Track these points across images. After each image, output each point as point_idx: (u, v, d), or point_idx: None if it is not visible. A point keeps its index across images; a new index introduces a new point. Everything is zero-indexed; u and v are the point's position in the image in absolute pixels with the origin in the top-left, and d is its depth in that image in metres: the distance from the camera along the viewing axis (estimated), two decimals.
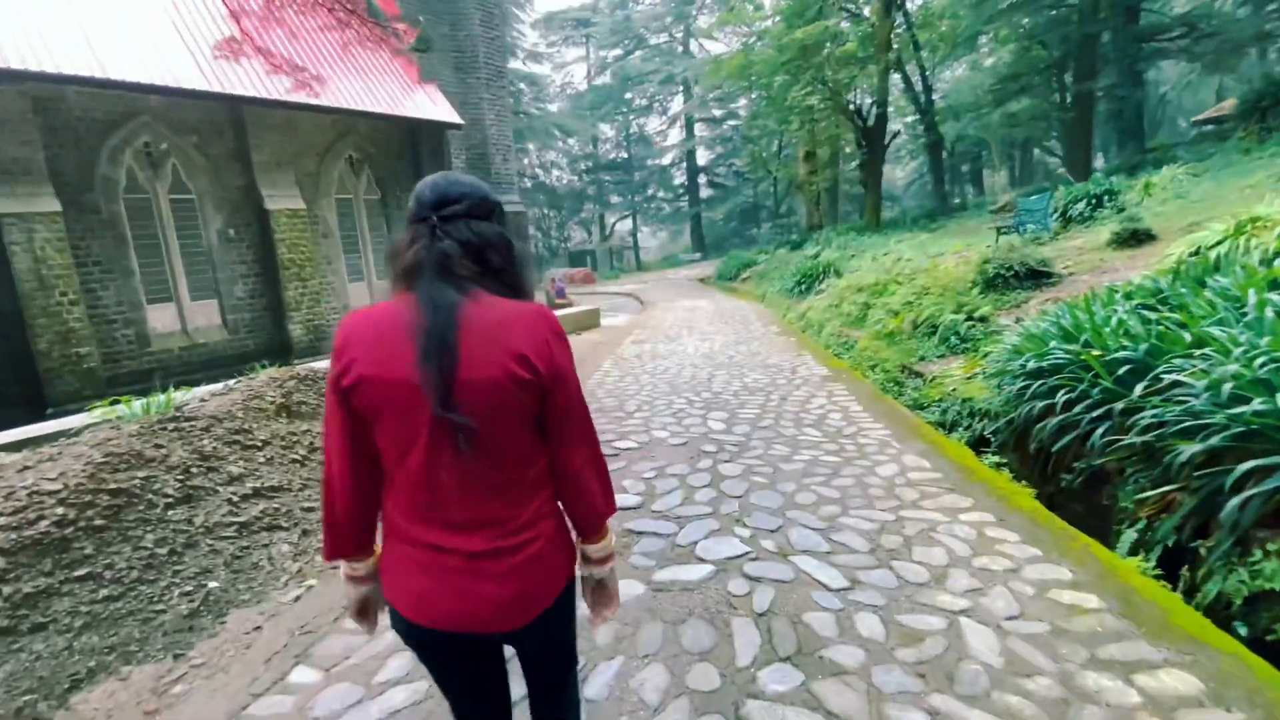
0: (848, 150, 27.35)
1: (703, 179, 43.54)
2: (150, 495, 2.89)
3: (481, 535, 1.10)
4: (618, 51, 41.58)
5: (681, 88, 39.76)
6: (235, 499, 3.12)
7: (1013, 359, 4.28)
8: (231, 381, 4.46)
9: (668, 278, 29.03)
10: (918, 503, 3.31)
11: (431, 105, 14.45)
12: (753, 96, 29.44)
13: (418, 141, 14.55)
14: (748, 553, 2.82)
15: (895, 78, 22.55)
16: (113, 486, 2.81)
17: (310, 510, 3.30)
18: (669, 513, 3.31)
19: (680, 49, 40.71)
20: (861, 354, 7.54)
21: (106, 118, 10.43)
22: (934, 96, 25.16)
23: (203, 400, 3.91)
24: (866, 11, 20.69)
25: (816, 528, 3.05)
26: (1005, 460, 4.03)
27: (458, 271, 1.08)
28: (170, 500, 2.93)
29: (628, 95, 41.17)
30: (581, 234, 53.38)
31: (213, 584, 2.67)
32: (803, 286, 13.27)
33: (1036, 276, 6.86)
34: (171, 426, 3.32)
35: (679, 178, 44.66)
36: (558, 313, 12.62)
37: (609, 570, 1.28)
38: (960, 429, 4.78)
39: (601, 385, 6.83)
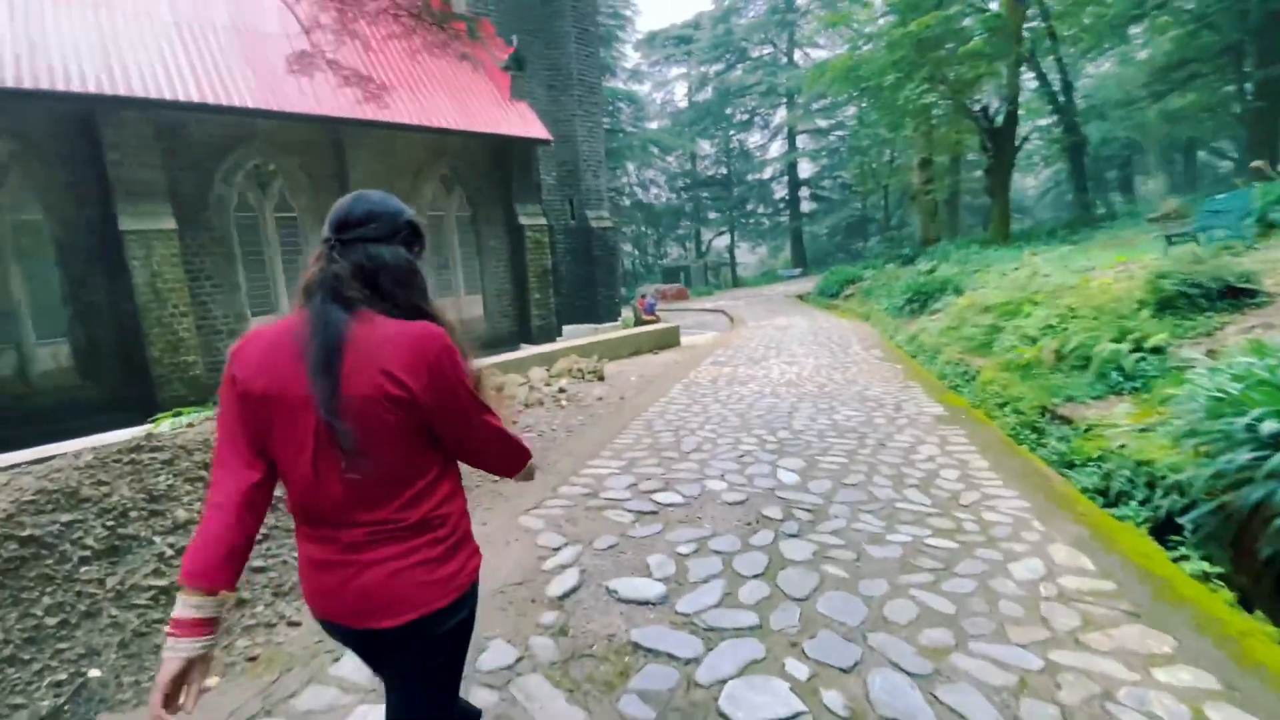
0: (970, 157, 24.87)
1: (805, 192, 41.72)
2: (66, 546, 2.42)
3: (366, 534, 1.16)
4: (719, 66, 41.01)
5: (784, 99, 38.43)
6: (170, 553, 2.60)
7: (1222, 411, 2.98)
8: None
9: (763, 294, 27.71)
10: (1080, 636, 2.19)
11: (522, 123, 14.42)
12: (862, 104, 27.69)
13: (508, 159, 14.56)
14: (799, 716, 1.87)
15: (1027, 74, 20.13)
16: (26, 533, 2.36)
17: (258, 571, 2.72)
18: (696, 619, 2.39)
19: (784, 59, 39.45)
20: (986, 388, 6.17)
21: (222, 141, 11.13)
22: (1075, 94, 22.24)
23: (190, 425, 3.52)
24: (994, 4, 18.60)
25: (915, 673, 2.01)
26: (1216, 564, 2.74)
27: (346, 293, 1.14)
28: (88, 553, 2.45)
29: (728, 110, 40.40)
30: (678, 251, 53.08)
31: (94, 672, 2.12)
32: (914, 305, 11.74)
33: (1235, 295, 5.23)
34: (128, 459, 2.88)
35: (780, 192, 43.10)
36: (635, 330, 12.01)
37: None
38: (1133, 503, 3.47)
39: (662, 415, 5.98)
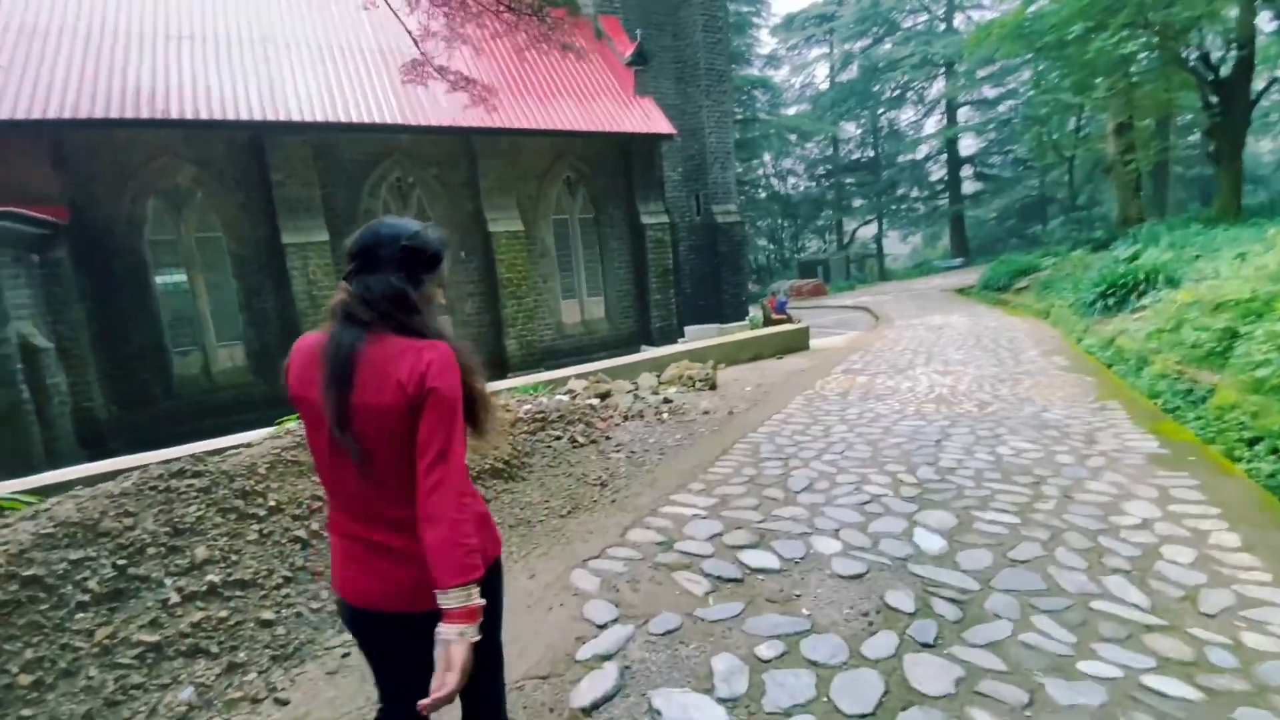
0: (1185, 119, 20.37)
1: (967, 172, 37.22)
2: (68, 588, 2.25)
3: (380, 529, 1.29)
4: (864, 42, 37.86)
5: (941, 69, 34.48)
6: (177, 598, 2.35)
7: None
8: (279, 429, 3.91)
9: (914, 288, 24.98)
10: None
11: (645, 119, 14.01)
12: (1039, 66, 23.88)
13: (630, 157, 14.23)
14: None
15: (1265, 11, 15.88)
16: (29, 573, 2.21)
17: (269, 624, 2.40)
18: None
19: (941, 25, 35.43)
20: (1225, 416, 4.55)
21: (368, 158, 11.95)
22: None
23: (248, 445, 3.38)
24: None
25: None
26: None
27: (360, 317, 1.27)
28: (88, 598, 2.25)
29: (875, 87, 37.15)
30: (818, 243, 50.19)
31: None
32: (1110, 300, 9.53)
33: None
34: (164, 485, 2.71)
35: (936, 173, 38.88)
36: (756, 332, 11.00)
37: (454, 634, 1.15)
38: None
39: (773, 438, 5.11)
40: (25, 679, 2.00)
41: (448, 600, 1.15)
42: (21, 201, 9.06)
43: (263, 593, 2.53)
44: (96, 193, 9.97)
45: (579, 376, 8.23)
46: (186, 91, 10.16)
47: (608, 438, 5.39)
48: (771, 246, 51.54)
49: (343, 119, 11.00)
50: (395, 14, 6.63)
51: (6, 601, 2.13)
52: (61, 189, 9.56)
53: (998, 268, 19.38)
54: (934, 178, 39.10)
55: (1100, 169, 24.60)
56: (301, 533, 2.85)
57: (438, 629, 1.15)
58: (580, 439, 5.21)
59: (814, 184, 44.10)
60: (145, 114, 9.61)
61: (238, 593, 2.49)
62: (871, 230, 41.87)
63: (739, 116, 33.51)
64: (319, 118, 10.78)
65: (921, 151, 38.64)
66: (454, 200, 12.66)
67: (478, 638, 1.17)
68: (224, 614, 2.39)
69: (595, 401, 7.03)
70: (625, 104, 14.18)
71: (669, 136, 14.19)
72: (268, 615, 2.45)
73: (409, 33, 7.13)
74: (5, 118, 8.77)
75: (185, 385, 10.94)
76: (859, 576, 2.75)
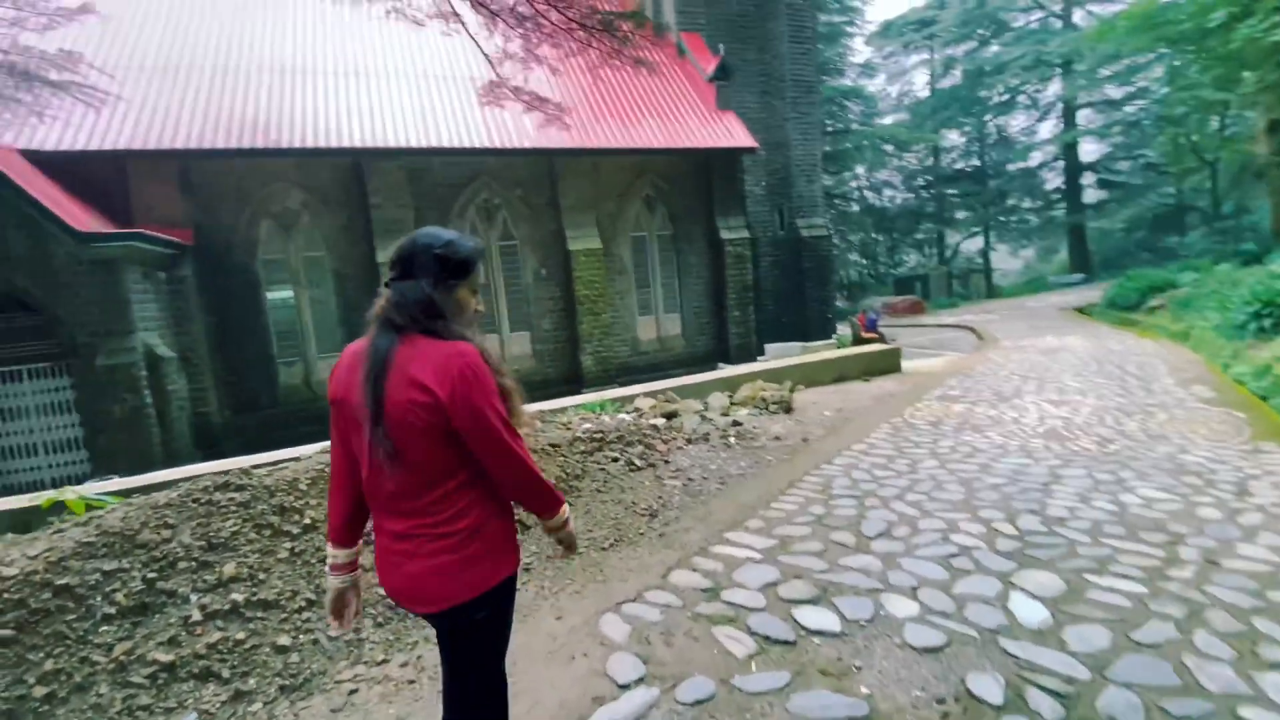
0: None
1: (1088, 179, 33.95)
2: (96, 599, 2.26)
3: (407, 527, 1.38)
4: (969, 45, 35.64)
5: (1058, 69, 31.77)
6: (199, 616, 2.32)
7: None
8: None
9: (1026, 306, 22.92)
10: None
11: (727, 134, 13.77)
12: (1174, 61, 21.43)
13: (711, 172, 14.00)
14: None
15: None
16: (62, 582, 2.23)
17: (284, 650, 2.31)
18: None
19: (1058, 23, 32.75)
20: None
21: (458, 180, 12.46)
22: None
23: (295, 460, 3.39)
24: None
25: None
26: None
27: (396, 321, 1.37)
28: (115, 610, 2.26)
29: (981, 93, 34.82)
30: (916, 258, 47.55)
31: None
32: (1266, 321, 8.16)
33: None
34: (206, 498, 2.72)
35: (1052, 181, 35.76)
36: (840, 352, 10.30)
37: (563, 533, 1.58)
38: None
39: (849, 471, 4.62)
40: (40, 691, 2.01)
41: (558, 518, 1.54)
42: (153, 224, 10.15)
43: (283, 615, 2.47)
44: (218, 216, 10.99)
45: (647, 394, 8.02)
46: (297, 122, 11.04)
47: (666, 462, 5.11)
48: (865, 262, 49.27)
49: (435, 144, 11.54)
50: (474, 39, 6.79)
51: (37, 610, 2.17)
52: (188, 213, 10.60)
53: (1126, 284, 17.35)
54: (1049, 186, 36.01)
55: (1250, 173, 21.62)
56: None
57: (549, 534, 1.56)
58: (638, 462, 4.97)
59: (912, 196, 41.86)
60: (260, 143, 10.50)
61: (259, 614, 2.44)
62: (977, 244, 39.10)
63: (829, 128, 32.52)
64: (413, 143, 11.38)
65: (1035, 159, 35.73)
66: (537, 219, 12.94)
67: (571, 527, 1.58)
68: (241, 636, 2.33)
69: (660, 421, 6.77)
70: (707, 120, 14.00)
71: (751, 150, 13.85)
72: (284, 640, 2.37)
73: (486, 56, 7.30)
74: (140, 147, 9.86)
75: (289, 393, 11.75)
76: (936, 650, 2.30)
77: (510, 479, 1.40)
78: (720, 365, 14.31)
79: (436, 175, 12.22)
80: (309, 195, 11.51)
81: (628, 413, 6.96)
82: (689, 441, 5.82)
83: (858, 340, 18.01)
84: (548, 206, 12.92)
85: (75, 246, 8.50)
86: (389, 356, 1.33)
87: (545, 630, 2.59)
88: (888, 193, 45.22)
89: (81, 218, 9.03)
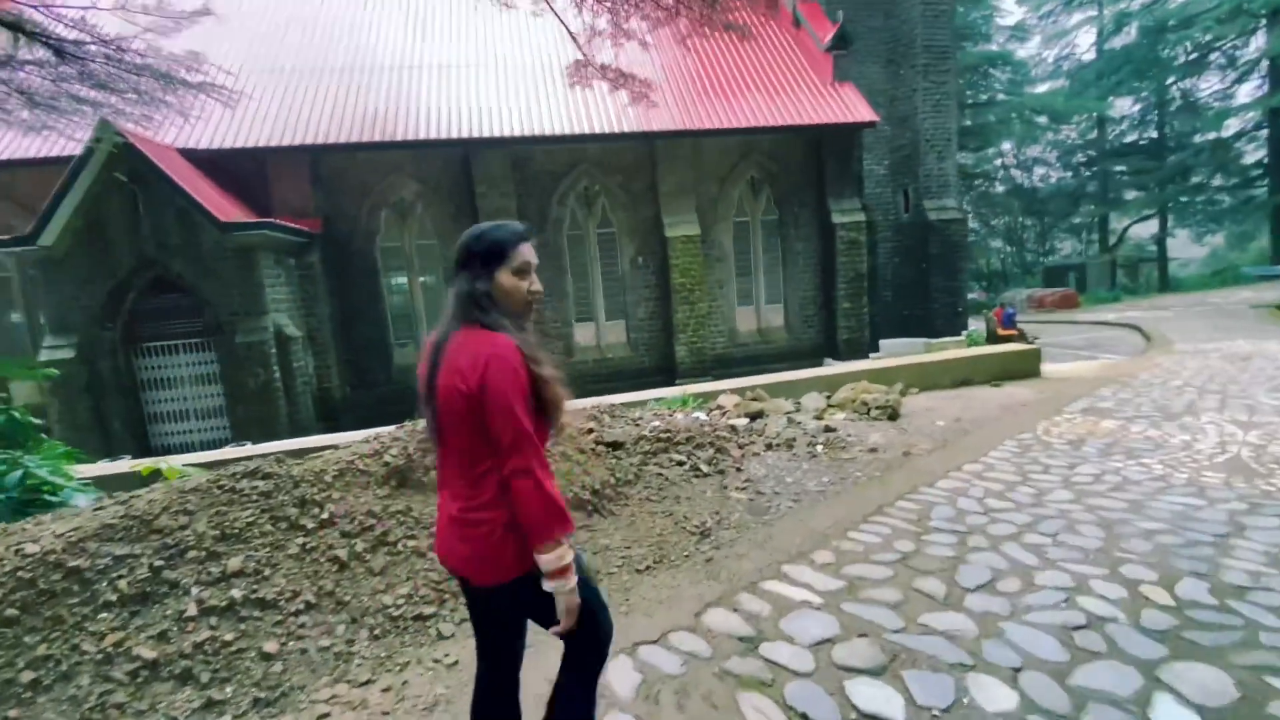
0: None
1: None
2: (102, 584, 2.24)
3: (457, 505, 1.45)
4: None
5: (1263, 20, 26.30)
6: (193, 611, 2.24)
7: None
8: (371, 432, 3.80)
9: (1209, 302, 19.34)
10: None
11: (842, 108, 12.65)
12: None
13: (822, 150, 12.95)
14: None
15: None
16: (75, 564, 2.23)
17: (269, 658, 2.17)
18: None
19: None
20: None
21: (559, 168, 12.48)
22: None
23: (334, 448, 3.32)
24: None
25: None
26: None
27: (451, 314, 1.47)
28: (116, 598, 2.22)
29: (1162, 51, 29.71)
30: (1073, 245, 42.11)
31: None
32: None
33: None
34: (229, 485, 2.68)
35: (1252, 154, 29.90)
36: (964, 352, 8.98)
37: (557, 585, 1.38)
38: None
39: (955, 498, 3.85)
40: (27, 676, 1.99)
41: (543, 562, 1.35)
42: (287, 214, 11.07)
43: (278, 618, 2.34)
44: (343, 206, 11.79)
45: (734, 391, 7.49)
46: (411, 116, 11.55)
47: (738, 469, 4.60)
48: (1009, 249, 44.41)
49: (535, 133, 11.61)
50: (559, 16, 6.56)
51: (44, 591, 2.18)
52: (317, 203, 11.46)
53: None
54: (1249, 160, 30.13)
55: None
56: (343, 553, 2.64)
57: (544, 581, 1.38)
58: (704, 468, 4.51)
59: (1069, 174, 36.93)
60: (377, 137, 11.10)
61: (255, 613, 2.32)
62: (1149, 229, 33.74)
63: (969, 100, 29.40)
64: (515, 133, 11.52)
65: (1230, 127, 29.98)
66: (635, 206, 12.68)
67: (576, 596, 1.39)
68: (230, 637, 2.22)
69: (741, 422, 6.24)
70: (821, 93, 12.95)
71: (870, 124, 12.62)
72: (271, 647, 2.23)
73: (570, 34, 7.06)
74: (277, 144, 10.76)
75: (401, 372, 12.45)
76: None
77: (510, 481, 1.35)
78: (827, 361, 13.32)
79: (538, 164, 12.31)
80: (422, 186, 12.04)
81: (708, 410, 6.50)
82: (769, 447, 5.26)
83: (993, 338, 16.07)
84: (646, 192, 12.60)
85: (219, 235, 9.44)
86: (443, 346, 1.42)
87: (543, 670, 2.26)
88: (1039, 171, 40.28)
89: (228, 209, 10.03)
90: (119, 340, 9.81)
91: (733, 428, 5.74)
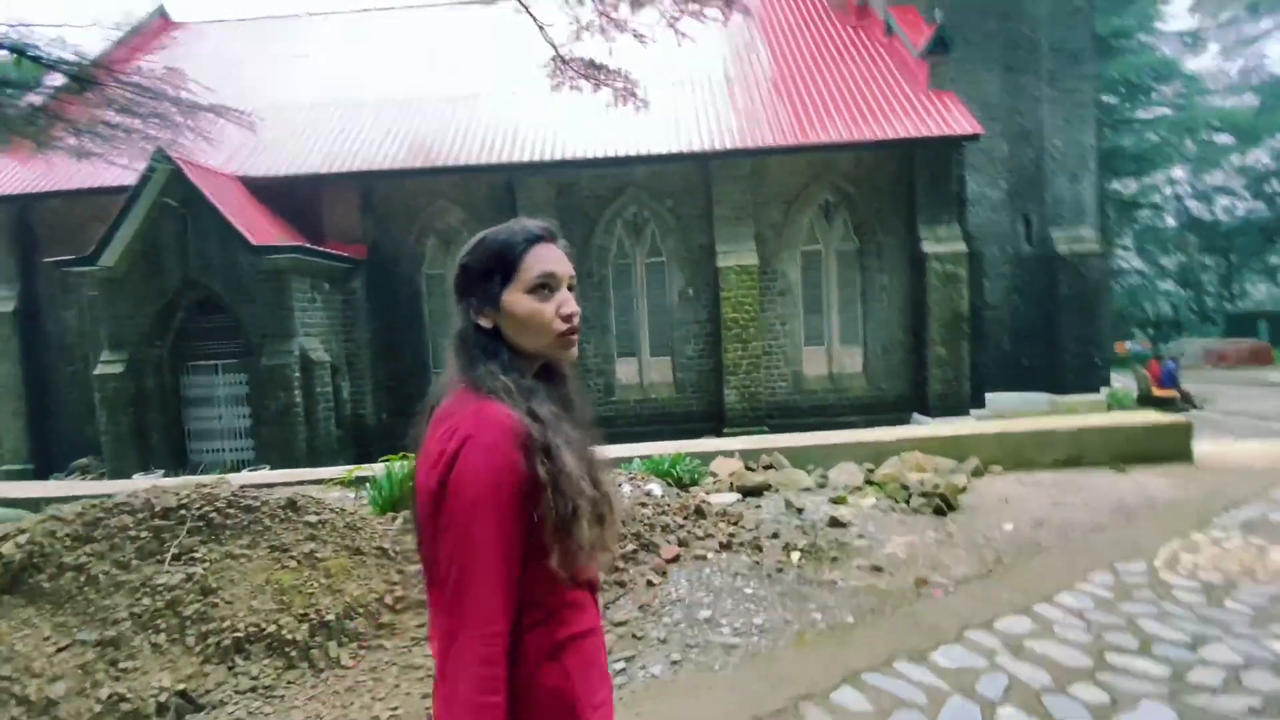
0: None
1: None
2: None
3: (440, 659, 0.88)
4: None
5: None
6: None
7: None
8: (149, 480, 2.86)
9: None
10: None
11: (939, 120, 10.76)
12: None
13: (914, 169, 11.06)
14: None
15: None
16: None
17: None
18: None
19: None
20: None
21: (606, 193, 11.64)
22: None
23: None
24: None
25: None
26: None
27: (453, 365, 0.99)
28: None
29: None
30: (1269, 289, 34.97)
31: None
32: None
33: None
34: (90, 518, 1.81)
35: None
36: (1089, 420, 6.61)
37: None
38: None
39: (945, 697, 2.22)
40: None
41: None
42: (336, 240, 11.10)
43: None
44: (391, 233, 11.70)
45: (746, 452, 5.98)
46: (458, 142, 11.30)
47: (651, 582, 3.19)
48: (1185, 293, 37.64)
49: (576, 156, 10.89)
50: (528, 10, 5.69)
51: None
52: (365, 230, 11.45)
53: None
54: None
55: None
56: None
57: None
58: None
59: (1262, 205, 30.69)
60: (421, 163, 10.92)
61: None
62: None
63: (1125, 117, 25.34)
64: (554, 156, 10.87)
65: None
66: (686, 233, 11.50)
67: None
68: None
69: (725, 500, 4.76)
70: (912, 105, 11.14)
71: (973, 137, 10.59)
72: None
73: (539, 25, 6.16)
74: (326, 171, 10.87)
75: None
76: None
77: (441, 621, 0.86)
78: (916, 418, 11.16)
79: (584, 189, 11.56)
80: (467, 213, 11.70)
81: (678, 482, 5.06)
82: (724, 547, 3.76)
83: (1146, 399, 12.99)
84: (699, 219, 11.39)
85: (252, 258, 9.51)
86: (429, 418, 0.95)
87: None
88: (1222, 201, 33.91)
89: (270, 233, 10.16)
90: (166, 357, 10.13)
91: (700, 510, 4.30)
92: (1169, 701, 2.16)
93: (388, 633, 2.42)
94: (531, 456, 0.85)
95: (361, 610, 2.44)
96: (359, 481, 5.46)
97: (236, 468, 9.92)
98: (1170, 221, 35.15)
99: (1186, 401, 12.62)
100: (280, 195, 11.22)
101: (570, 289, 0.99)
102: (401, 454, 5.37)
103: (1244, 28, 28.95)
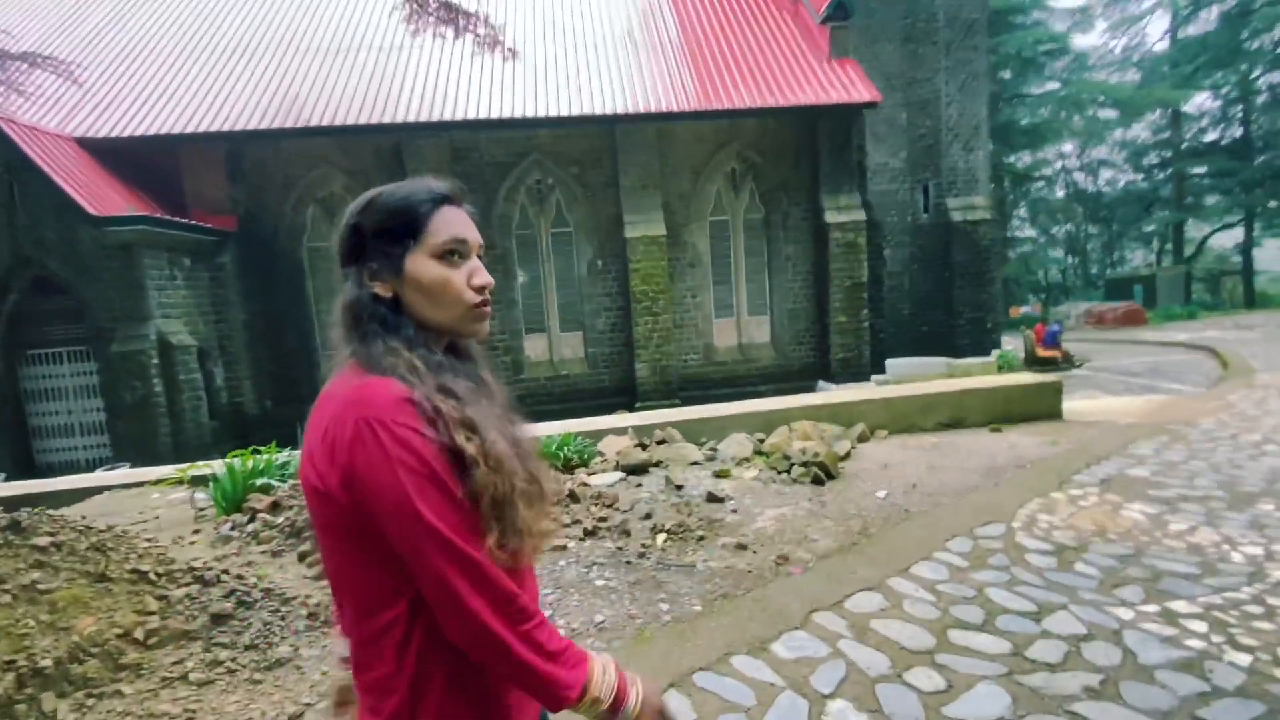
0: None
1: None
2: None
3: (353, 667, 0.83)
4: None
5: None
6: None
7: None
8: None
9: None
10: None
11: (841, 88, 10.73)
12: None
13: (817, 138, 11.04)
14: None
15: None
16: None
17: None
18: None
19: None
20: None
21: (507, 158, 10.99)
22: None
23: None
24: None
25: None
26: None
27: (342, 340, 0.86)
28: None
29: (1244, 40, 26.10)
30: (1145, 255, 38.21)
31: None
32: None
33: None
34: None
35: None
36: (967, 383, 6.80)
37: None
38: None
39: (774, 696, 2.05)
40: None
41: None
42: (200, 210, 9.95)
43: None
44: (266, 202, 10.62)
45: (639, 428, 5.76)
46: (336, 101, 10.30)
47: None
48: (1071, 260, 40.60)
49: (471, 116, 10.18)
50: None
51: None
52: (235, 199, 10.32)
53: None
54: None
55: None
56: None
57: None
58: None
59: (1140, 177, 33.28)
60: (295, 123, 9.88)
61: None
62: (1233, 237, 29.89)
63: (1019, 93, 26.58)
64: (447, 116, 10.11)
65: None
66: (594, 203, 11.07)
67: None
68: None
69: (606, 480, 4.52)
70: (814, 73, 11.06)
71: (871, 105, 10.64)
72: None
73: None
74: (183, 131, 9.66)
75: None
76: None
77: (456, 626, 0.74)
78: (821, 385, 11.34)
79: (483, 153, 10.87)
80: (350, 179, 10.76)
81: (565, 464, 4.79)
82: (590, 534, 3.51)
83: (1033, 360, 13.72)
84: (606, 187, 10.98)
85: (94, 230, 8.35)
86: (317, 403, 0.81)
87: None
88: (1106, 174, 36.61)
89: (118, 203, 8.96)
90: None
91: (574, 494, 4.03)
92: (1006, 682, 2.06)
93: (131, 675, 2.00)
94: (451, 433, 0.75)
95: (97, 650, 2.00)
96: (199, 481, 4.88)
97: (91, 466, 8.88)
98: (1060, 193, 37.67)
99: (1067, 361, 13.47)
100: (135, 161, 9.91)
101: (480, 258, 0.89)
102: (252, 449, 4.84)
103: (1129, 6, 30.85)
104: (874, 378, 11.20)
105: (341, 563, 0.79)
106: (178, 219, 9.19)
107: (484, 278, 0.87)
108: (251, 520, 3.50)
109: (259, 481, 4.27)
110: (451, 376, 0.81)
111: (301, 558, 3.04)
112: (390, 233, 0.83)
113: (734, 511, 3.87)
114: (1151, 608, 2.48)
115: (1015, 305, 31.79)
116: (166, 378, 8.81)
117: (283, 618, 2.38)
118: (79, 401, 9.19)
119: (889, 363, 11.99)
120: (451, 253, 0.84)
